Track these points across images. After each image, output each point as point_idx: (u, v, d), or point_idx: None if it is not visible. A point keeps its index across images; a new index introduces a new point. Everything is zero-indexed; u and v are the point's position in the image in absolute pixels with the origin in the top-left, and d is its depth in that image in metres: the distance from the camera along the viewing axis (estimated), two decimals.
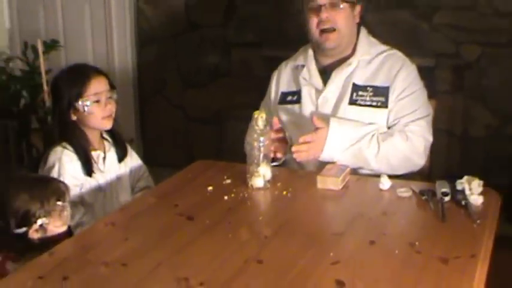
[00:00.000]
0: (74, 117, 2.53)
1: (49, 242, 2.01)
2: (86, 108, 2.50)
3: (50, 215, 2.08)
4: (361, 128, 2.52)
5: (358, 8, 2.68)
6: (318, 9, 2.61)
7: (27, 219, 2.06)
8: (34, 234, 2.07)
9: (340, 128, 2.49)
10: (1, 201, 2.11)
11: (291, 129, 2.63)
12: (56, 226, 2.09)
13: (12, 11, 4.40)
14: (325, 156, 2.50)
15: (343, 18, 2.61)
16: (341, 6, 2.60)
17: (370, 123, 2.55)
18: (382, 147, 2.50)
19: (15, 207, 2.07)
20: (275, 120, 2.57)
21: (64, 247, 1.98)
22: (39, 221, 2.06)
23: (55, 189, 2.15)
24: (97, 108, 2.52)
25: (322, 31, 2.62)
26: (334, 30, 2.61)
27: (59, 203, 2.11)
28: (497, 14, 3.67)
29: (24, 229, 2.06)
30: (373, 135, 2.51)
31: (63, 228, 2.12)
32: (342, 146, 2.49)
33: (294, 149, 2.47)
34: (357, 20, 2.69)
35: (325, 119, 2.53)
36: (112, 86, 2.59)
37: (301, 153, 2.47)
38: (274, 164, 2.44)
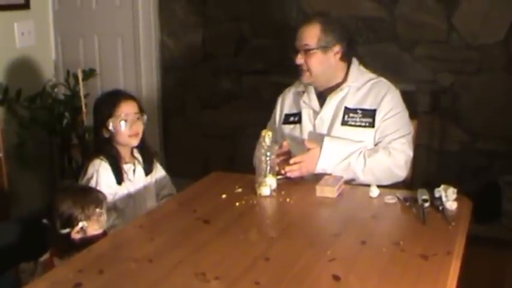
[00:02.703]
0: (106, 134, 2.53)
1: (87, 243, 2.02)
2: (114, 127, 2.51)
3: (89, 219, 2.09)
4: (350, 145, 2.52)
5: (335, 49, 2.63)
6: (297, 52, 2.64)
7: (70, 222, 2.07)
8: (76, 235, 2.08)
9: (332, 147, 2.50)
10: (49, 205, 2.11)
11: (292, 145, 2.62)
12: (94, 229, 2.10)
13: (57, 45, 4.41)
14: (319, 170, 2.50)
15: (314, 62, 2.61)
16: (312, 51, 2.60)
17: (359, 141, 2.55)
18: (368, 162, 2.49)
19: (60, 211, 2.08)
20: (285, 143, 2.57)
21: (100, 245, 1.98)
22: (80, 224, 2.07)
23: (94, 197, 2.16)
24: (124, 127, 2.51)
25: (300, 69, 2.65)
26: (307, 70, 2.62)
27: (97, 209, 2.12)
28: (467, 47, 3.66)
29: (67, 230, 2.07)
30: (360, 152, 2.51)
31: (100, 231, 2.12)
32: (334, 162, 2.49)
33: (287, 169, 2.47)
34: (337, 58, 2.65)
35: (318, 139, 2.54)
36: (141, 110, 2.59)
37: (294, 171, 2.48)
38: (280, 177, 2.44)
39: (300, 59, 2.62)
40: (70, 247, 2.04)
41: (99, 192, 2.24)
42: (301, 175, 2.52)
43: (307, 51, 2.60)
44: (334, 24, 2.68)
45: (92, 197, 2.15)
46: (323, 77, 2.66)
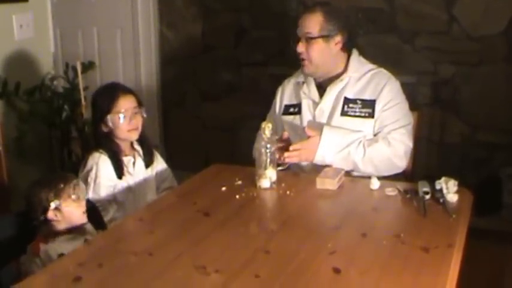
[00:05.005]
0: (106, 129, 2.53)
1: (70, 230, 2.10)
2: (113, 122, 2.50)
3: (60, 198, 2.10)
4: (349, 135, 2.52)
5: (337, 38, 2.62)
6: (298, 41, 2.62)
7: (45, 206, 2.09)
8: (52, 216, 2.09)
9: (331, 135, 2.50)
10: (26, 203, 2.15)
11: (292, 135, 2.61)
12: (68, 206, 2.11)
13: (56, 37, 4.39)
14: (318, 158, 2.50)
15: (315, 51, 2.60)
16: (313, 40, 2.59)
17: (359, 131, 2.55)
18: (368, 151, 2.49)
19: (34, 202, 2.10)
20: (285, 133, 2.56)
21: (99, 239, 1.99)
22: (52, 204, 2.08)
23: (60, 176, 2.19)
24: (123, 122, 2.51)
25: (301, 59, 2.64)
26: (307, 59, 2.61)
27: (66, 186, 2.12)
28: (468, 38, 3.65)
29: (42, 217, 2.09)
30: (360, 142, 2.51)
31: (80, 210, 2.14)
32: (333, 151, 2.49)
33: (286, 154, 2.46)
34: (338, 47, 2.64)
35: (318, 127, 2.53)
36: (140, 103, 2.59)
37: (292, 157, 2.48)
38: (280, 168, 2.43)
39: (301, 47, 2.61)
40: (54, 233, 2.08)
41: (66, 172, 2.30)
42: (300, 161, 2.53)
43: (308, 40, 2.60)
44: (336, 13, 2.67)
45: (57, 177, 2.19)
46: (323, 67, 2.65)
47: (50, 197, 2.09)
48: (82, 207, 2.17)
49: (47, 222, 2.10)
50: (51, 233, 2.10)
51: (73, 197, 2.13)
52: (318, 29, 2.59)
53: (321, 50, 2.60)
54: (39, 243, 2.06)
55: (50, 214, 2.09)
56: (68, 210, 2.11)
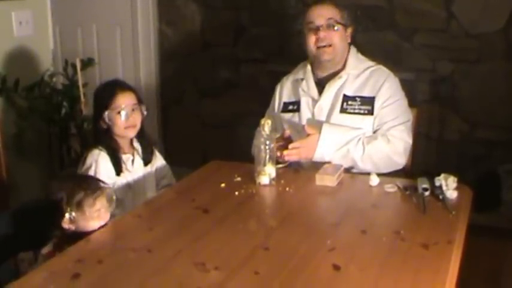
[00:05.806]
0: (104, 126, 2.51)
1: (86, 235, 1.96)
2: (110, 118, 2.49)
3: (78, 210, 1.98)
4: (349, 132, 2.51)
5: (349, 30, 2.69)
6: (316, 30, 2.61)
7: (61, 213, 1.99)
8: (67, 225, 2.00)
9: (330, 133, 2.49)
10: (46, 196, 2.07)
11: (292, 133, 2.60)
12: (84, 219, 1.99)
13: (55, 34, 4.37)
14: (317, 156, 2.49)
15: (337, 37, 2.62)
16: (336, 28, 2.61)
17: (358, 128, 2.54)
18: (367, 148, 2.48)
19: (53, 200, 2.01)
20: (287, 131, 2.56)
21: (98, 235, 1.96)
22: (67, 215, 1.98)
23: (83, 181, 2.09)
24: (120, 119, 2.49)
25: (319, 47, 2.62)
26: (330, 45, 2.61)
27: (87, 199, 2.00)
28: (467, 35, 3.64)
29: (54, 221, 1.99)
30: (359, 139, 2.50)
31: (98, 223, 2.01)
32: (332, 148, 2.48)
33: (285, 153, 2.45)
34: (349, 40, 2.69)
35: (317, 125, 2.53)
36: (140, 101, 2.57)
37: (292, 155, 2.47)
38: (280, 166, 2.42)
39: (324, 33, 2.60)
40: (68, 240, 1.97)
41: (95, 180, 2.16)
42: (299, 159, 2.52)
43: (331, 26, 2.61)
44: (345, 7, 2.71)
45: (80, 182, 2.07)
46: (340, 56, 2.66)
47: (65, 208, 1.97)
48: (103, 219, 2.04)
49: (62, 228, 2.00)
50: (64, 237, 1.99)
51: (88, 213, 2.00)
52: (340, 17, 2.63)
53: (341, 37, 2.64)
54: (56, 252, 1.96)
55: (64, 223, 1.99)
56: (83, 224, 2.00)
